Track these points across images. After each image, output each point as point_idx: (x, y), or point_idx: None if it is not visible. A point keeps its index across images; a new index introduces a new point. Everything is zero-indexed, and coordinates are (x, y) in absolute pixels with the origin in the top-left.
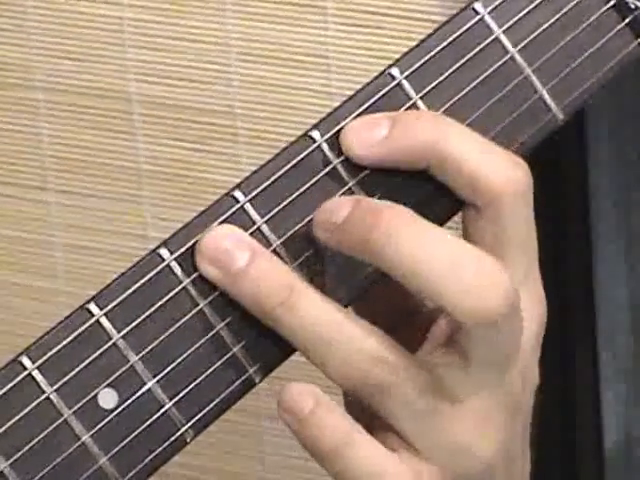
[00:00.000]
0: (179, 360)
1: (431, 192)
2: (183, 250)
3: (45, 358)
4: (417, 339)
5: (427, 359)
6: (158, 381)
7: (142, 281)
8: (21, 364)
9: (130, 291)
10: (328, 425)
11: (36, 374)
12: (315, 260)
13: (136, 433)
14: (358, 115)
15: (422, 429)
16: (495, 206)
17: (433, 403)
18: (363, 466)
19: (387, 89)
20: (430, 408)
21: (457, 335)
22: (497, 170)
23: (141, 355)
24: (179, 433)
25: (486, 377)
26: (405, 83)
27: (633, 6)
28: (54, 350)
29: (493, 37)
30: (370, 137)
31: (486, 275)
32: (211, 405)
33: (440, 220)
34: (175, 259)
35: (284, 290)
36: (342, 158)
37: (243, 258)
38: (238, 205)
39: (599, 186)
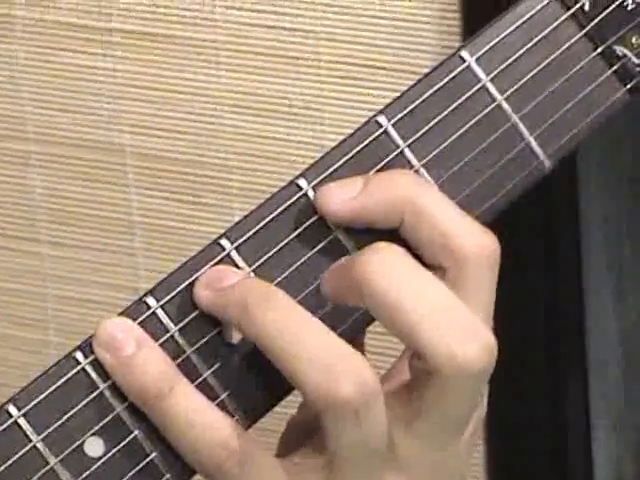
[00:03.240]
0: None
1: None
2: (169, 298)
3: (31, 406)
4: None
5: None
6: (143, 429)
7: None
8: (7, 412)
9: None
10: (150, 370)
11: (22, 422)
12: (311, 302)
13: None
14: (345, 163)
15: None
16: (461, 268)
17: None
18: (183, 415)
19: (374, 137)
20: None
21: (421, 383)
22: (468, 233)
23: (126, 404)
24: None
25: (429, 434)
26: (392, 131)
27: (620, 54)
28: (40, 398)
29: (480, 85)
30: (342, 195)
31: (475, 327)
32: None
33: None
34: (161, 307)
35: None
36: None
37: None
38: (224, 253)
39: (590, 219)
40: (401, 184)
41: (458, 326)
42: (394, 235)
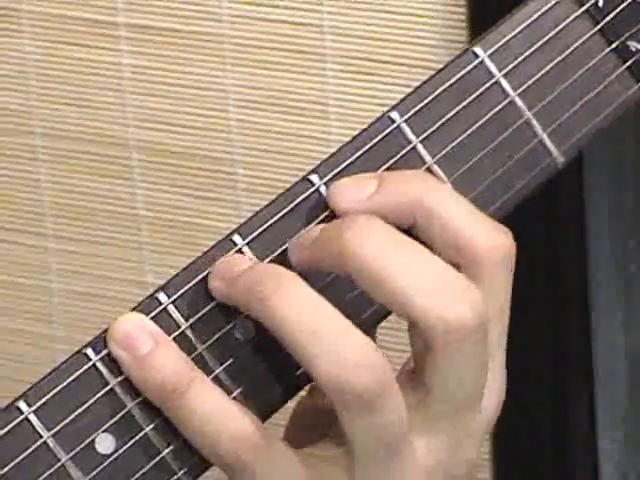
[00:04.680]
0: None
1: None
2: (181, 293)
3: (42, 402)
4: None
5: None
6: (155, 427)
7: None
8: (18, 409)
9: None
10: (168, 367)
11: (33, 419)
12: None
13: (134, 478)
14: (357, 159)
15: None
16: (476, 267)
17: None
18: (201, 410)
19: (386, 132)
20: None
21: (422, 362)
22: (481, 233)
23: (138, 400)
24: (176, 478)
25: (442, 414)
26: (405, 126)
27: (634, 49)
28: (51, 394)
29: (493, 81)
30: (357, 193)
31: (461, 287)
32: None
33: None
34: (173, 303)
35: (274, 278)
36: None
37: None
38: (236, 248)
39: (597, 234)
40: (413, 186)
41: (446, 289)
42: (405, 233)
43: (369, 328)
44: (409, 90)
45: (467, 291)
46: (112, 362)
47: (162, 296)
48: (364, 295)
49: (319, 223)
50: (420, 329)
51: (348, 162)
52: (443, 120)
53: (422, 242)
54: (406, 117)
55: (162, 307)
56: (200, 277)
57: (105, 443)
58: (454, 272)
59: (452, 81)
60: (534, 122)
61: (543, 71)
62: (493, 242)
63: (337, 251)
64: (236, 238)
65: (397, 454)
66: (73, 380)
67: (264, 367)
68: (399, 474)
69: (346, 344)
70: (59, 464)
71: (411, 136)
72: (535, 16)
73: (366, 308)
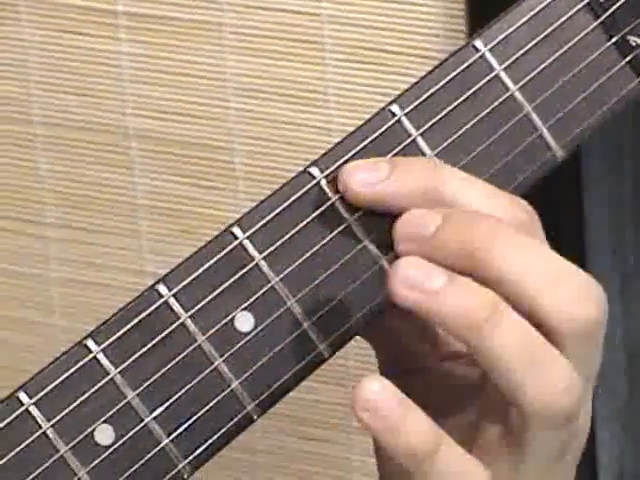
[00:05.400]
0: (177, 396)
1: None
2: (181, 286)
3: (42, 394)
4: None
5: None
6: (155, 417)
7: (140, 317)
8: (18, 399)
9: (127, 327)
10: (417, 431)
11: (33, 409)
12: (315, 295)
13: (133, 469)
14: (358, 152)
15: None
16: None
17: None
18: (451, 468)
19: (387, 126)
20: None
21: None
22: (497, 211)
23: (138, 391)
24: (176, 470)
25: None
26: (405, 120)
27: (634, 44)
28: (51, 386)
29: (493, 74)
30: (368, 178)
31: (586, 283)
32: (209, 441)
33: None
34: (173, 295)
35: (488, 306)
36: (340, 195)
37: (441, 277)
38: (237, 242)
39: (594, 226)
40: (423, 174)
41: (573, 286)
42: None
43: (364, 326)
44: (409, 79)
45: (591, 287)
46: (112, 353)
47: (162, 288)
48: (347, 297)
49: (320, 216)
50: (547, 327)
51: (349, 155)
52: (443, 114)
53: None
54: (406, 110)
55: (162, 300)
56: (200, 270)
57: (104, 434)
58: (581, 272)
59: (453, 75)
60: (534, 116)
61: (543, 65)
62: (510, 217)
63: (466, 250)
64: (236, 231)
65: (565, 455)
66: (73, 371)
67: (264, 358)
68: (567, 470)
69: (554, 371)
70: (58, 455)
71: (411, 129)
72: (536, 10)
73: (368, 302)
